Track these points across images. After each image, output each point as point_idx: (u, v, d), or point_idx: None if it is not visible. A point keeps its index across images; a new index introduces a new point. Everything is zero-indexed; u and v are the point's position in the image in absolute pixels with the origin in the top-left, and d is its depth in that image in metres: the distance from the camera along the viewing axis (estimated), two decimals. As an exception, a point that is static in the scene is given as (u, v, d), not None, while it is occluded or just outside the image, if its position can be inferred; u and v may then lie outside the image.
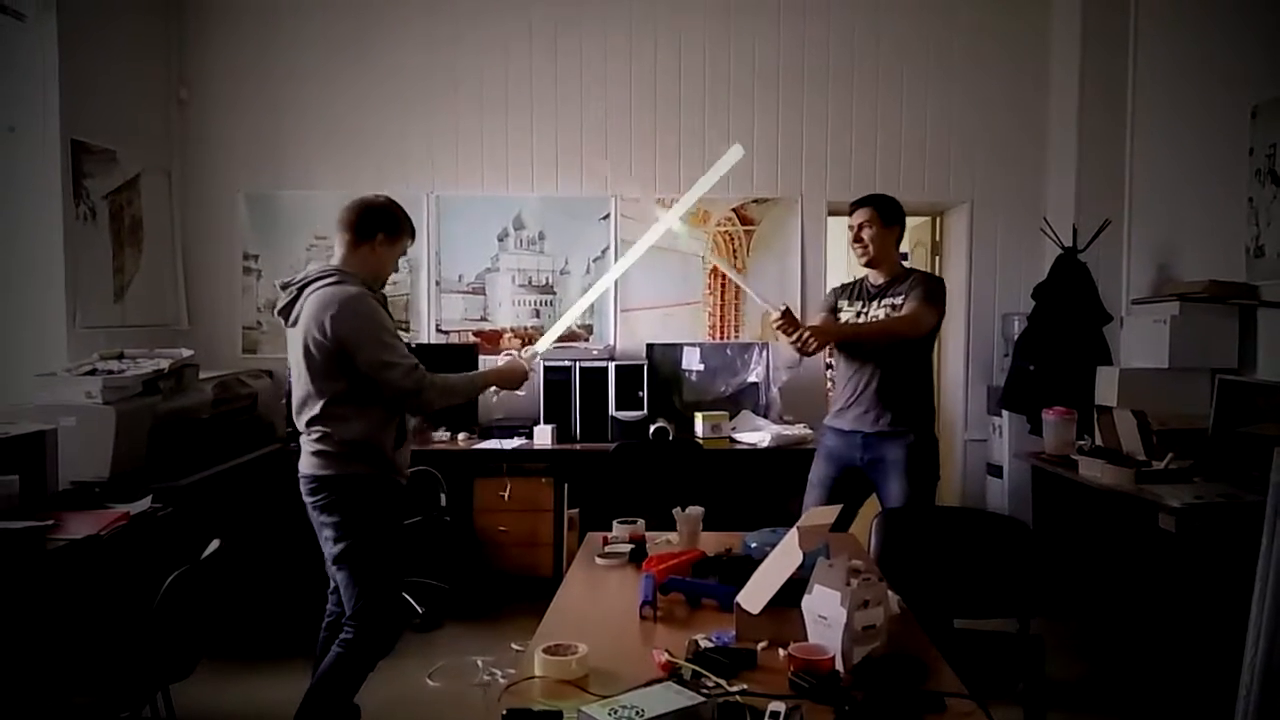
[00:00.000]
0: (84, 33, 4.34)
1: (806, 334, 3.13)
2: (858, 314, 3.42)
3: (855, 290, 3.50)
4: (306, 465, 2.73)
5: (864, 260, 3.41)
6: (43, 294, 4.19)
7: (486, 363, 5.19)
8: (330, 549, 2.73)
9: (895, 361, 3.29)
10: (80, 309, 4.32)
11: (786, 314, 3.16)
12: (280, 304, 2.77)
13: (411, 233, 2.92)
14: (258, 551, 3.98)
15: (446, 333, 5.36)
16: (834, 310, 3.51)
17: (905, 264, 3.52)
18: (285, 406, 4.49)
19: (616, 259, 5.27)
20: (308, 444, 2.72)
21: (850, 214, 3.46)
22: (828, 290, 3.86)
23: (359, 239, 2.78)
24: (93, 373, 3.65)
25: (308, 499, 2.75)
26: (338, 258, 2.79)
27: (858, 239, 3.38)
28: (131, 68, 4.84)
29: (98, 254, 4.51)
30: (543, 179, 5.32)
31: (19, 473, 2.94)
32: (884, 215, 3.37)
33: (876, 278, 3.43)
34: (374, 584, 2.72)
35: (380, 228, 2.79)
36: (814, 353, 3.24)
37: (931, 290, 3.28)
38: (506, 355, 3.07)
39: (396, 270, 3.02)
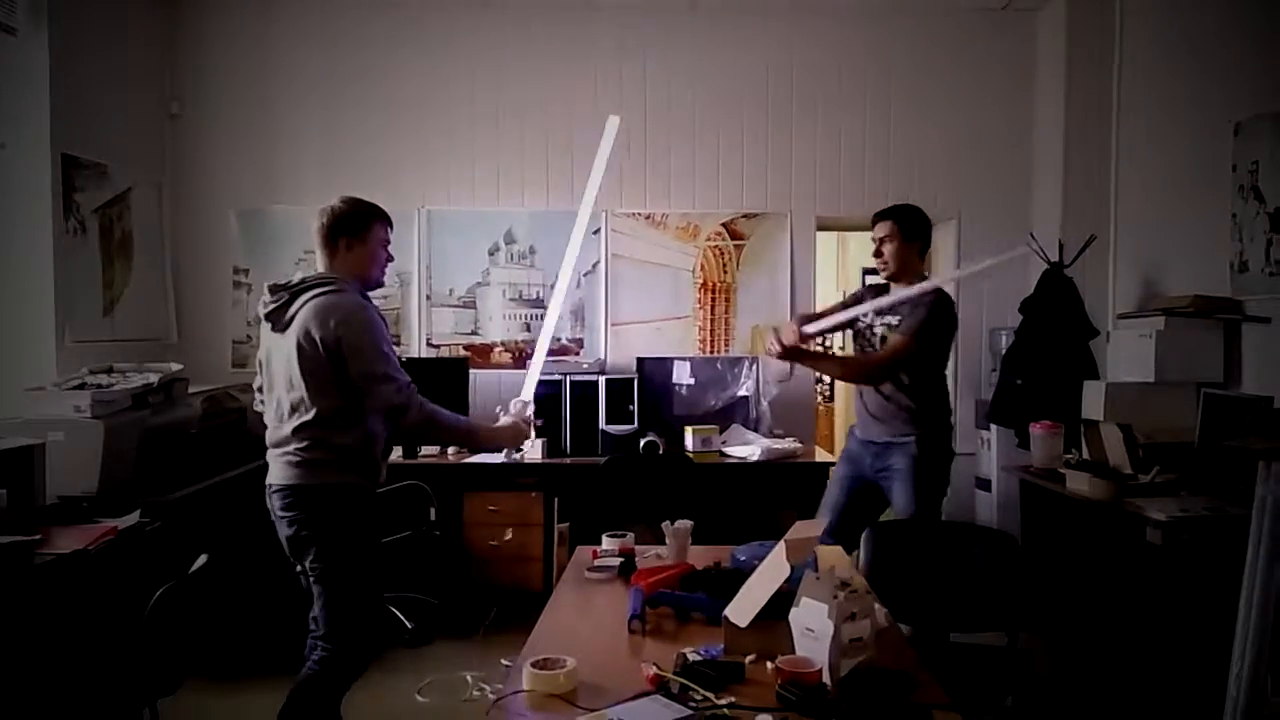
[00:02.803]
0: (75, 47, 4.36)
1: (774, 345, 3.17)
2: (867, 326, 3.40)
3: (876, 294, 3.44)
4: (287, 475, 2.60)
5: (884, 275, 3.38)
6: (32, 308, 4.19)
7: (477, 377, 5.22)
8: (305, 566, 2.62)
9: (899, 379, 3.30)
10: (69, 323, 4.31)
11: (786, 348, 3.19)
12: (268, 307, 2.66)
13: (381, 218, 2.81)
14: (246, 567, 3.96)
15: (437, 346, 5.36)
16: (858, 301, 3.45)
17: (926, 279, 3.37)
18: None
19: (608, 273, 5.30)
20: (292, 452, 2.58)
21: (872, 226, 3.39)
22: (849, 291, 3.75)
23: (330, 251, 2.73)
24: (81, 387, 3.64)
25: (284, 513, 2.61)
26: (323, 268, 2.74)
27: (878, 253, 3.34)
28: (123, 82, 4.85)
29: (88, 268, 4.51)
30: (533, 193, 5.34)
31: (7, 487, 2.93)
32: (905, 230, 3.31)
33: (896, 289, 3.36)
34: (351, 605, 2.63)
35: (341, 233, 2.71)
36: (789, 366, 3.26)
37: (923, 324, 3.19)
38: (506, 415, 2.95)
39: (391, 260, 2.89)
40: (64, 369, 4.06)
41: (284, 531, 2.64)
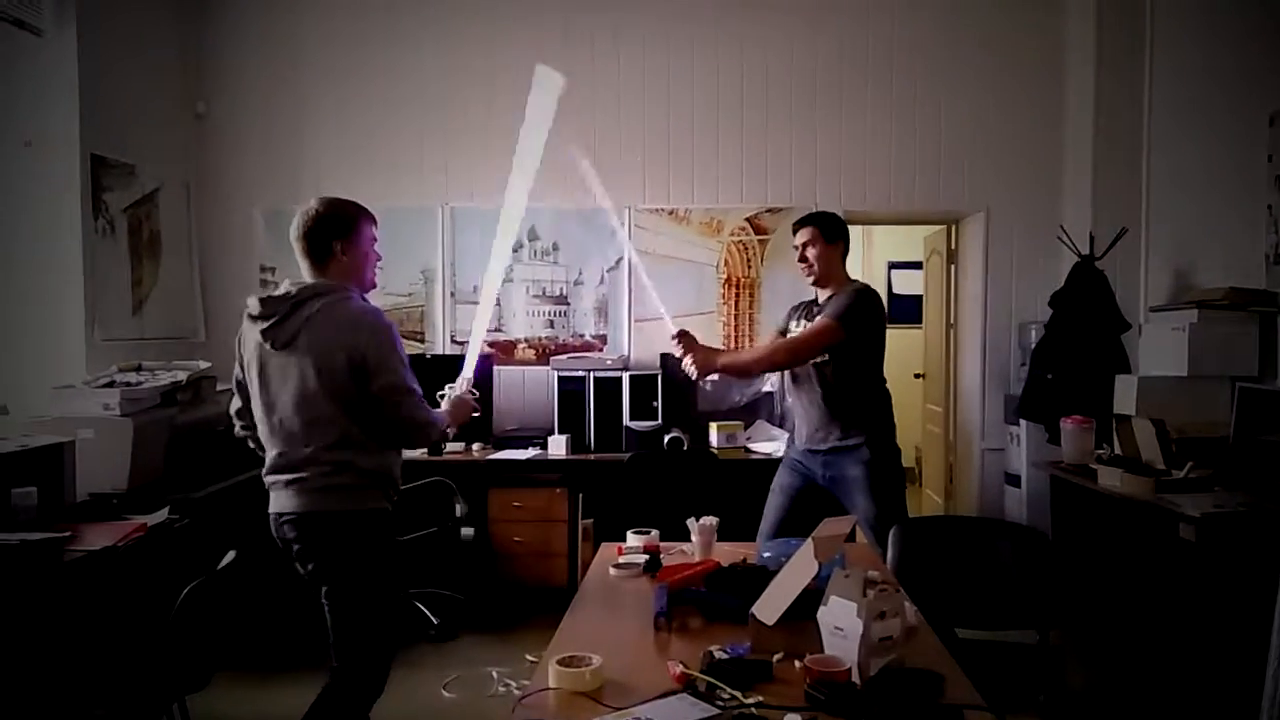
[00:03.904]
0: (102, 47, 4.40)
1: (689, 362, 3.13)
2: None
3: (806, 309, 3.46)
4: (302, 503, 2.42)
5: (810, 280, 3.39)
6: (62, 306, 4.23)
7: (501, 374, 5.24)
8: (326, 591, 2.47)
9: (834, 381, 3.25)
10: (99, 321, 4.36)
11: (682, 335, 3.17)
12: (266, 324, 2.42)
13: (368, 216, 2.57)
14: (274, 563, 3.99)
15: (461, 343, 5.37)
16: (784, 331, 3.48)
17: (850, 280, 3.39)
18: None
19: (630, 269, 5.28)
20: (312, 477, 2.40)
21: (794, 234, 3.44)
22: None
23: (320, 257, 2.48)
24: (111, 385, 3.67)
25: (299, 544, 2.45)
26: (310, 276, 2.51)
27: (802, 258, 3.36)
28: (150, 82, 4.89)
29: (116, 267, 4.55)
30: (556, 190, 5.33)
31: (38, 484, 2.97)
32: (826, 233, 3.34)
33: (823, 295, 3.38)
34: (367, 633, 2.49)
35: (331, 237, 2.47)
36: (700, 379, 3.21)
37: (843, 308, 3.19)
38: (446, 395, 2.74)
39: (379, 259, 2.64)
40: (93, 367, 4.10)
41: (301, 563, 2.49)
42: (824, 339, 3.19)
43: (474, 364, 2.86)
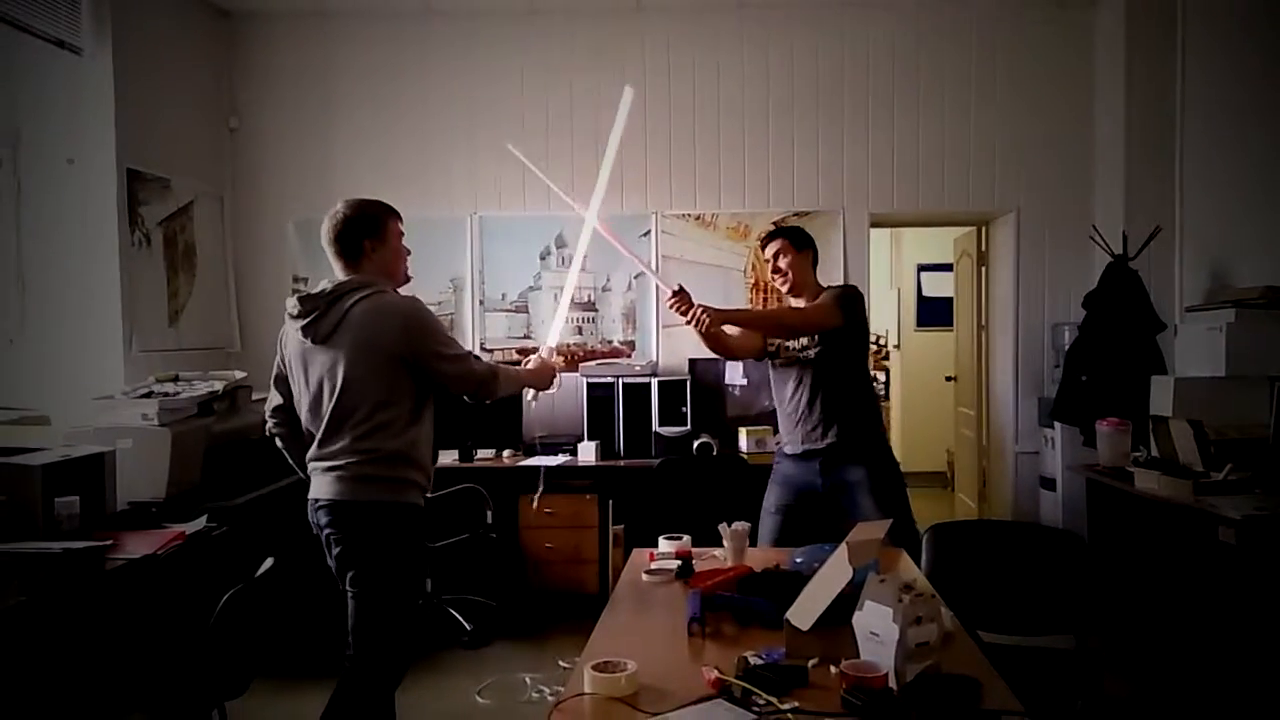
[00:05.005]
0: (139, 66, 4.48)
1: (699, 311, 3.11)
2: (781, 345, 3.40)
3: None
4: (336, 490, 2.49)
5: (786, 289, 3.44)
6: (100, 319, 4.31)
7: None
8: (352, 578, 2.52)
9: (826, 376, 3.28)
10: (136, 333, 4.43)
11: (679, 293, 3.16)
12: (305, 320, 2.49)
13: (394, 214, 2.66)
14: (311, 569, 4.03)
15: (490, 351, 5.40)
16: (765, 341, 3.48)
17: (824, 289, 3.43)
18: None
19: (658, 274, 5.27)
20: (344, 466, 2.48)
21: (763, 249, 3.53)
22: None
23: (352, 256, 2.57)
24: (149, 395, 3.73)
25: (330, 529, 2.51)
26: (344, 276, 2.58)
27: (776, 269, 3.42)
28: (184, 98, 4.98)
29: (153, 279, 4.63)
30: (583, 198, 5.35)
31: (79, 494, 3.01)
32: (795, 243, 3.40)
33: (798, 304, 3.42)
34: (390, 623, 2.54)
35: (363, 236, 2.56)
36: (711, 332, 3.19)
37: (840, 295, 3.29)
38: (531, 360, 2.93)
39: (409, 253, 2.72)
40: (131, 378, 4.17)
41: (329, 548, 2.56)
42: (826, 317, 3.24)
43: (556, 335, 3.13)
